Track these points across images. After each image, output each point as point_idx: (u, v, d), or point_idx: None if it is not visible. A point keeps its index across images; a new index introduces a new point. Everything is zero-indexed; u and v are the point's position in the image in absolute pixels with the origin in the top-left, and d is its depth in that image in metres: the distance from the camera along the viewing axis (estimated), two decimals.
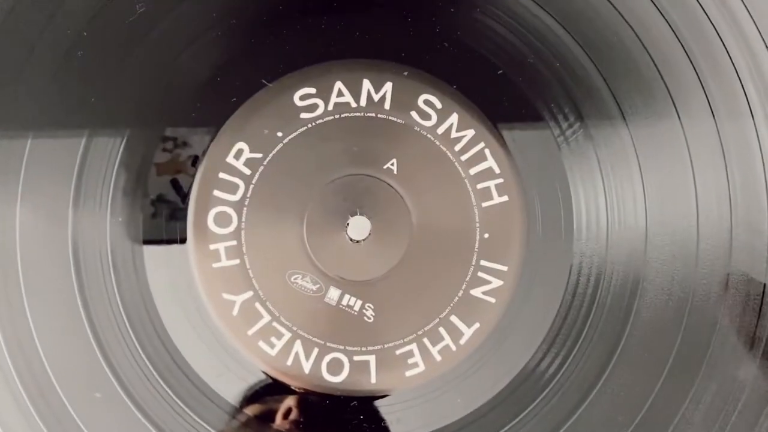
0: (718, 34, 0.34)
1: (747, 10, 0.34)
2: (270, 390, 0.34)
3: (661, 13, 0.34)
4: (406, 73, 0.34)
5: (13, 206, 0.33)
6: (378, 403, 0.34)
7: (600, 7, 0.34)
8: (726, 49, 0.34)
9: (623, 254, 0.34)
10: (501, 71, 0.34)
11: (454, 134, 0.34)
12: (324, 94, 0.34)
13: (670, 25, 0.34)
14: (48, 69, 0.33)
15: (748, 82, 0.34)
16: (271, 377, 0.34)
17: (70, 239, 0.33)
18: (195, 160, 0.34)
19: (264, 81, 0.34)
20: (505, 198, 0.34)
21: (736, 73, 0.34)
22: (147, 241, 0.34)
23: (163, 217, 0.34)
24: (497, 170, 0.34)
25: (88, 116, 0.34)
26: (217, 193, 0.34)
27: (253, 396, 0.34)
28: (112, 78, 0.34)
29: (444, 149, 0.34)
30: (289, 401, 0.34)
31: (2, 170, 0.33)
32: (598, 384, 0.34)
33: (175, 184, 0.34)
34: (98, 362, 0.33)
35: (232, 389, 0.34)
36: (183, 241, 0.34)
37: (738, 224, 0.34)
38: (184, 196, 0.34)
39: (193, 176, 0.34)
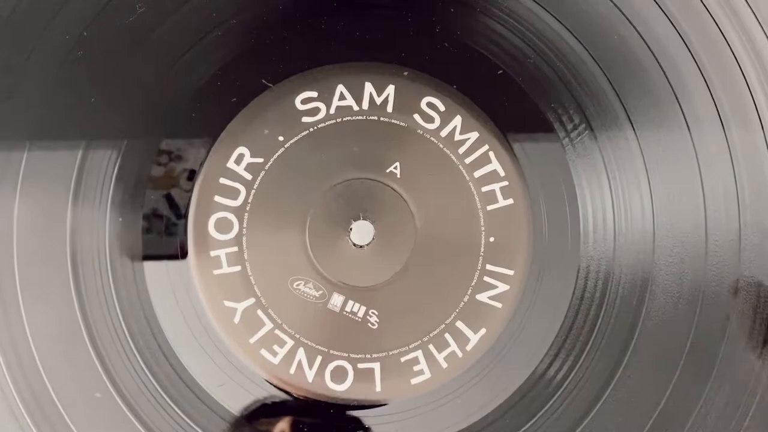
0: (724, 36, 0.34)
1: (755, 16, 0.34)
2: (272, 399, 0.33)
3: (667, 17, 0.34)
4: (406, 73, 0.34)
5: (11, 216, 0.33)
6: (382, 411, 0.34)
7: (605, 11, 0.34)
8: (732, 51, 0.34)
9: (631, 257, 0.34)
10: (504, 73, 0.34)
11: (457, 137, 0.34)
12: (326, 98, 0.34)
13: (677, 30, 0.34)
14: (45, 79, 0.33)
15: (753, 79, 0.34)
16: (273, 386, 0.33)
17: (68, 246, 0.33)
18: (191, 174, 0.34)
19: (264, 81, 0.33)
20: (510, 201, 0.34)
21: (743, 74, 0.34)
22: (147, 256, 0.33)
23: (163, 226, 0.34)
24: (502, 173, 0.34)
25: (86, 125, 0.33)
26: (217, 198, 0.34)
27: (255, 405, 0.33)
28: (109, 86, 0.33)
29: (448, 152, 0.34)
30: (282, 424, 0.33)
31: None
32: (607, 389, 0.33)
33: (169, 199, 0.34)
34: (97, 371, 0.33)
35: (234, 399, 0.33)
36: (183, 250, 0.33)
37: (747, 226, 0.34)
38: (179, 212, 0.34)
39: (193, 183, 0.34)
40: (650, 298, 0.34)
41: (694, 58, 0.34)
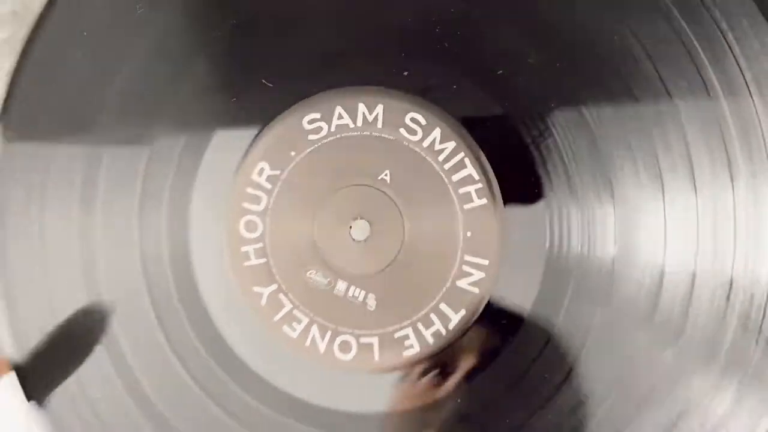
0: (693, 60, 0.37)
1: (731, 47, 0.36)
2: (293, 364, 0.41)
3: (640, 42, 0.37)
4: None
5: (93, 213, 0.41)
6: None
7: (573, 27, 0.38)
8: (705, 81, 0.37)
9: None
10: (479, 87, 0.39)
11: (437, 146, 0.39)
12: (327, 118, 0.40)
13: (648, 53, 0.37)
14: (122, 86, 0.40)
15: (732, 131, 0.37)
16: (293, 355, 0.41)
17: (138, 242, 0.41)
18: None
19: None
20: (484, 201, 0.39)
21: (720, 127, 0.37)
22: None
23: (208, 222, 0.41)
24: (476, 177, 0.39)
25: (152, 125, 0.40)
26: (245, 204, 0.41)
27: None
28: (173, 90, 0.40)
29: (429, 160, 0.39)
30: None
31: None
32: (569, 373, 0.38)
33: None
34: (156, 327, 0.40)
35: (266, 365, 0.41)
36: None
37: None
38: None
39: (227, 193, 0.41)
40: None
41: (665, 85, 0.37)
